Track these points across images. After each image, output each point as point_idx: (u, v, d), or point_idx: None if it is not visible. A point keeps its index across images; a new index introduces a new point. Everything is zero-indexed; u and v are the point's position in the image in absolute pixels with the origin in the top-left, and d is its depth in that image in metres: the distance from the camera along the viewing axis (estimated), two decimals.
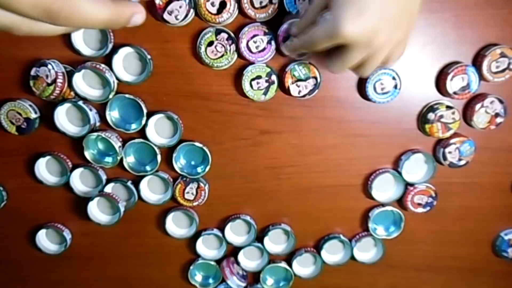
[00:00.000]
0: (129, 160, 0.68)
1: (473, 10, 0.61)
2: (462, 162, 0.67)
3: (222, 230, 0.74)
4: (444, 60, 0.63)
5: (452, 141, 0.65)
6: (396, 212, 0.72)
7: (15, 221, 0.75)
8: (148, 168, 0.68)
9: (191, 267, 0.76)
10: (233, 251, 0.77)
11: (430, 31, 0.62)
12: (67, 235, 0.75)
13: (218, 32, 0.60)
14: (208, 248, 0.77)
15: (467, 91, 0.63)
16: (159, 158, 0.67)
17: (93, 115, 0.65)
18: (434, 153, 0.68)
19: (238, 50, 0.61)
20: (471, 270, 0.77)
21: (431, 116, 0.64)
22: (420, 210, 0.70)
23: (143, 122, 0.65)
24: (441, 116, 0.64)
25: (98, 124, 0.67)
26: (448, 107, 0.64)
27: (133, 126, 0.66)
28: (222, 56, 0.61)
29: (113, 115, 0.66)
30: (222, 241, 0.75)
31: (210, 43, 0.61)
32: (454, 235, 0.75)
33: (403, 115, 0.66)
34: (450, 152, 0.66)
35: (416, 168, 0.69)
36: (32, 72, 0.62)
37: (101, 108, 0.66)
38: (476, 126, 0.65)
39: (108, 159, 0.68)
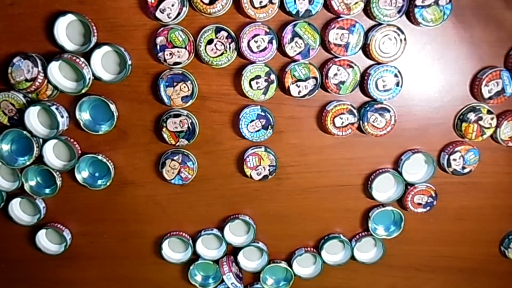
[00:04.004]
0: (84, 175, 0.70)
1: (473, 10, 0.61)
2: (466, 170, 0.67)
3: (221, 230, 0.74)
4: (444, 60, 0.64)
5: (457, 148, 0.66)
6: (396, 212, 0.72)
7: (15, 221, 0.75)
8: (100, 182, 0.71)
9: (191, 267, 0.76)
10: (233, 251, 0.77)
11: (430, 31, 0.62)
12: (67, 235, 0.75)
13: (218, 30, 0.60)
14: (208, 248, 0.76)
15: (502, 95, 0.63)
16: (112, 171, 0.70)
17: (63, 121, 0.65)
18: (438, 159, 0.68)
19: (239, 49, 0.61)
20: (471, 270, 0.77)
21: (471, 115, 0.64)
22: (420, 210, 0.70)
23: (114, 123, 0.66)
24: (480, 118, 0.64)
25: (66, 128, 0.67)
26: (489, 112, 0.64)
27: (103, 128, 0.67)
28: (221, 54, 0.61)
29: (83, 116, 0.66)
30: (221, 241, 0.75)
31: (210, 41, 0.61)
32: (454, 235, 0.75)
33: (403, 115, 0.66)
34: (454, 160, 0.66)
35: (416, 168, 0.69)
36: (15, 60, 0.62)
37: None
38: (499, 136, 0.65)
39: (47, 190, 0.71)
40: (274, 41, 0.60)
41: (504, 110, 0.66)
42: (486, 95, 0.63)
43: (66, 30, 0.62)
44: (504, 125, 0.65)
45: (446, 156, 0.66)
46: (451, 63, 0.64)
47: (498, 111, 0.66)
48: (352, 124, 0.64)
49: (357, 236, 0.75)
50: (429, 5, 0.58)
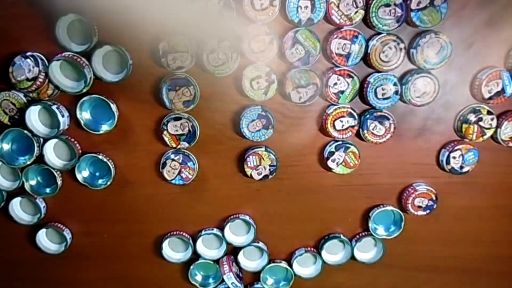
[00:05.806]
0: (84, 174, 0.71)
1: (473, 10, 0.61)
2: (464, 170, 0.67)
3: (222, 230, 0.74)
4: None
5: (458, 146, 0.66)
6: (396, 212, 0.72)
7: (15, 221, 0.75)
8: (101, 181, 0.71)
9: (191, 267, 0.76)
10: (233, 251, 0.77)
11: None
12: (67, 235, 0.75)
13: (220, 40, 0.60)
14: (208, 248, 0.77)
15: (502, 96, 0.63)
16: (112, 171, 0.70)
17: (64, 120, 0.65)
18: (438, 156, 0.68)
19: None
20: (472, 270, 0.78)
21: (471, 116, 0.64)
22: (420, 213, 0.70)
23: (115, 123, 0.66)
24: (480, 119, 0.64)
25: (66, 127, 0.67)
26: (489, 112, 0.64)
27: (104, 127, 0.67)
28: (223, 63, 0.61)
29: (84, 116, 0.66)
30: (222, 241, 0.75)
31: (212, 51, 0.61)
32: (454, 235, 0.75)
33: (403, 114, 0.66)
34: (454, 157, 0.66)
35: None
36: (16, 59, 0.62)
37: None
38: (499, 136, 0.65)
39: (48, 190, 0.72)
40: (275, 42, 0.60)
41: (504, 111, 0.66)
42: (486, 95, 0.63)
43: (67, 29, 0.62)
44: (505, 125, 0.65)
45: (447, 153, 0.66)
46: (451, 63, 0.64)
47: (498, 112, 0.66)
48: (353, 127, 0.64)
49: (357, 236, 0.75)
50: (424, 7, 0.59)
